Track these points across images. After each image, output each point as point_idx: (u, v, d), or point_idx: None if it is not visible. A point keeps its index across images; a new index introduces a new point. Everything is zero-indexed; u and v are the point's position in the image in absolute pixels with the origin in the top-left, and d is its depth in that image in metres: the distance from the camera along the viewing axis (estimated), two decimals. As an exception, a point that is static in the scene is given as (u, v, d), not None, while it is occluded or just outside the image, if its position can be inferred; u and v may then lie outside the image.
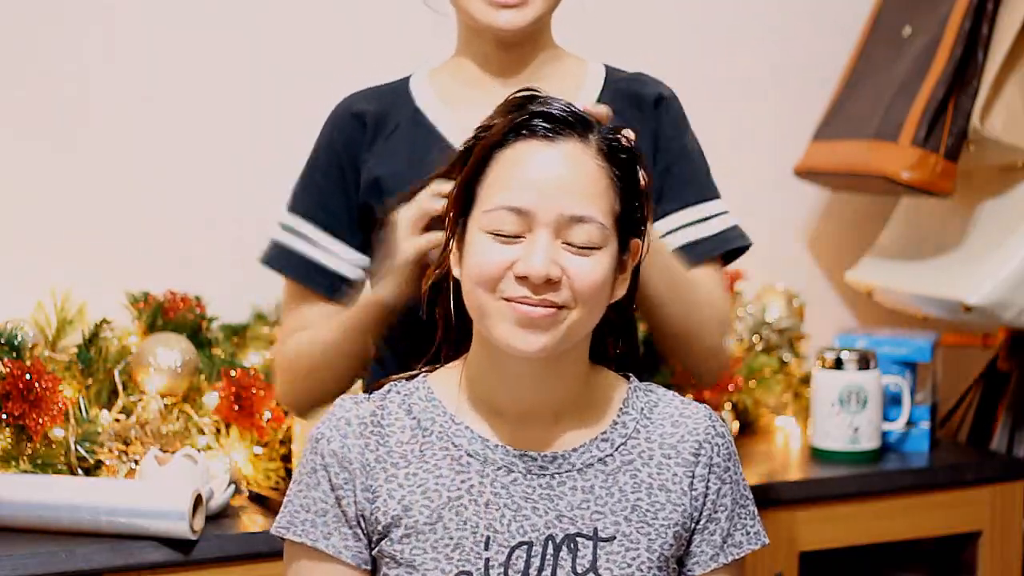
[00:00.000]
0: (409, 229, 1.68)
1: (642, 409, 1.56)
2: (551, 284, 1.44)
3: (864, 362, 2.42)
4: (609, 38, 2.48)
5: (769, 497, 2.27)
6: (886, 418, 2.47)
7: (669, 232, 1.84)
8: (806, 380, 2.62)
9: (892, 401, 2.48)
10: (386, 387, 1.57)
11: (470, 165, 1.50)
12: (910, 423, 2.49)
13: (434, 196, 1.65)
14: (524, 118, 1.48)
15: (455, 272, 1.52)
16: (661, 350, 1.88)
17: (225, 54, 2.47)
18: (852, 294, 2.87)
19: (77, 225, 2.39)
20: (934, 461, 2.46)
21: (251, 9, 2.49)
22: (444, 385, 1.55)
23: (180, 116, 2.44)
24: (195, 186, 2.43)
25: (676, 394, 1.60)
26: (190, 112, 2.44)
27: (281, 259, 1.87)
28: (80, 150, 2.39)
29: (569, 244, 1.45)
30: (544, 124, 1.47)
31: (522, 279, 1.44)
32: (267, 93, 2.48)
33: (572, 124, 1.48)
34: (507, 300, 1.44)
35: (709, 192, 1.89)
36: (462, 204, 1.50)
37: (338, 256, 1.84)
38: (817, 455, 2.44)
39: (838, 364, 2.42)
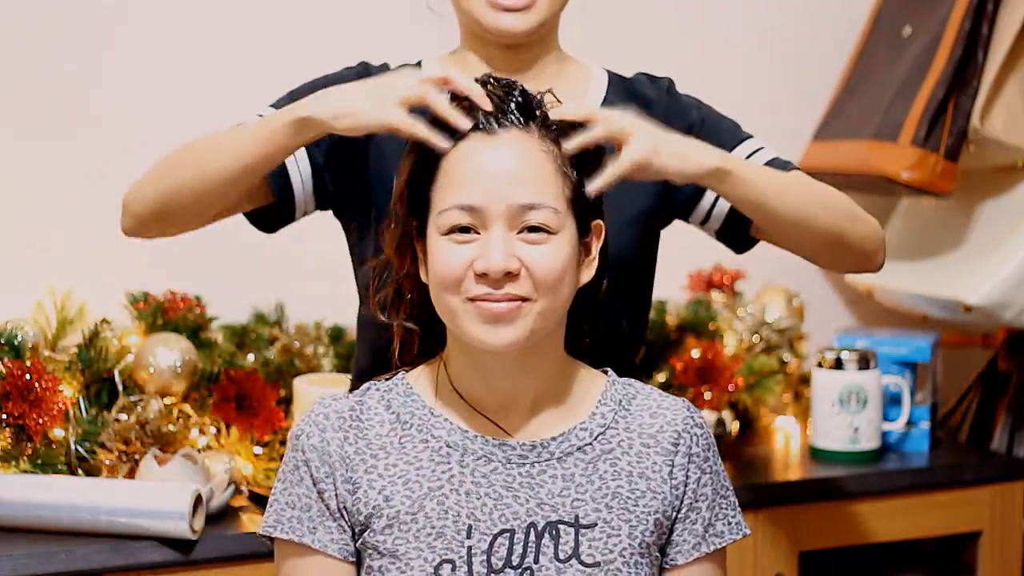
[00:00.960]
0: (400, 98, 1.54)
1: (620, 401, 1.57)
2: (511, 277, 1.45)
3: (864, 362, 2.42)
4: (608, 39, 2.48)
5: (769, 497, 2.28)
6: (886, 418, 2.47)
7: None
8: (806, 380, 2.62)
9: (892, 401, 2.48)
10: (365, 386, 1.58)
11: (421, 172, 1.51)
12: (910, 423, 2.49)
13: (439, 88, 1.53)
14: None
15: (423, 277, 1.53)
16: (825, 265, 1.84)
17: (225, 54, 2.47)
18: (852, 294, 2.87)
19: (77, 225, 2.39)
20: (934, 461, 2.46)
21: (251, 9, 2.49)
22: (422, 381, 1.57)
23: (180, 116, 2.44)
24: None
25: (654, 388, 1.61)
26: (190, 112, 2.44)
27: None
28: (80, 150, 2.39)
29: (525, 234, 1.46)
30: (484, 118, 1.49)
31: (482, 276, 1.45)
32: (267, 93, 2.48)
33: (512, 114, 1.49)
34: (472, 300, 1.46)
35: (742, 136, 1.84)
36: (419, 211, 1.51)
37: (294, 156, 1.75)
38: (817, 455, 2.44)
39: (838, 364, 2.42)
